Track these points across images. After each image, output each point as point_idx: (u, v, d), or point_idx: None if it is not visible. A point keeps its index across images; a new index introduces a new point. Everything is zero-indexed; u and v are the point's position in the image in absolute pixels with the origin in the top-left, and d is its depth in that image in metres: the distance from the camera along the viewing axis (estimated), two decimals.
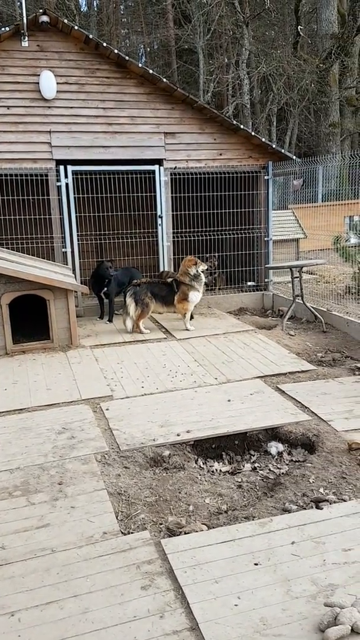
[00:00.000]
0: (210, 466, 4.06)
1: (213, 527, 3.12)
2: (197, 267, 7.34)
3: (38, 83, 7.72)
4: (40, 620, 2.46)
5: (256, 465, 4.05)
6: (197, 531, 3.05)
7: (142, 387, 5.30)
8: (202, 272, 7.43)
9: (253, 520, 3.17)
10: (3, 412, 4.77)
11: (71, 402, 4.96)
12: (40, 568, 2.79)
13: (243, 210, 9.24)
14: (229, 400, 4.85)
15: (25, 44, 7.63)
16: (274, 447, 4.19)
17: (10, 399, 5.05)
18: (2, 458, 3.89)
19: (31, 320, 6.90)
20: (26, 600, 2.58)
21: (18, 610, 2.52)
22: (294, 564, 2.75)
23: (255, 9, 21.98)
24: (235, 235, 9.30)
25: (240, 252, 9.39)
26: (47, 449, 4.01)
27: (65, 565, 2.80)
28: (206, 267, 7.45)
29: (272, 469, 3.96)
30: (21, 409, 4.81)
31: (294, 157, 9.00)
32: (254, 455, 4.20)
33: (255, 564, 2.76)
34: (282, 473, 3.86)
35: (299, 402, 4.75)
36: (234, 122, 8.72)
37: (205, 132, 8.61)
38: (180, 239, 9.09)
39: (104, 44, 7.84)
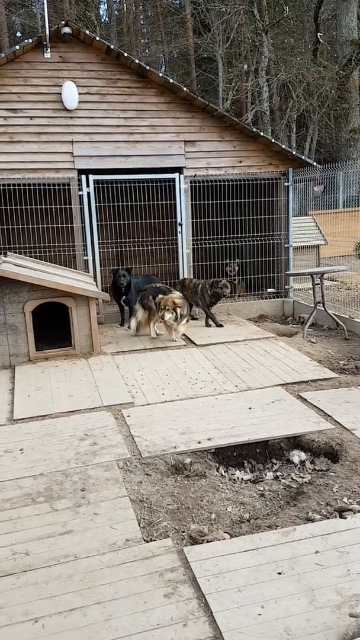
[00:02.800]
0: (231, 474, 4.04)
1: (236, 536, 3.11)
2: (168, 314, 6.84)
3: (60, 94, 7.84)
4: (64, 627, 2.47)
5: (278, 474, 4.02)
6: (219, 539, 3.04)
7: (163, 394, 5.31)
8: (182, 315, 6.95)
9: (276, 529, 3.15)
10: (26, 418, 4.82)
11: (93, 408, 4.99)
12: (64, 574, 2.81)
13: (263, 216, 9.24)
14: (250, 408, 4.83)
15: (47, 55, 7.76)
16: (297, 455, 4.16)
17: (34, 405, 5.10)
18: (26, 464, 3.93)
19: (53, 327, 6.97)
20: (50, 607, 2.59)
21: (42, 617, 2.53)
22: (317, 573, 2.72)
23: (275, 17, 21.99)
24: (255, 242, 9.29)
25: (260, 259, 9.38)
26: (69, 455, 4.04)
27: (88, 572, 2.82)
28: (175, 316, 6.87)
29: (294, 477, 3.93)
30: (44, 415, 4.86)
31: (314, 164, 8.97)
32: (275, 464, 4.17)
33: (279, 573, 2.74)
34: (305, 482, 3.83)
35: (322, 411, 4.71)
36: (254, 129, 8.73)
37: (225, 139, 8.64)
38: (200, 246, 9.12)
39: (125, 54, 7.93)
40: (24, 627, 2.48)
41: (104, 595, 2.64)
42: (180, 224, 8.72)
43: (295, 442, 4.28)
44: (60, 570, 2.84)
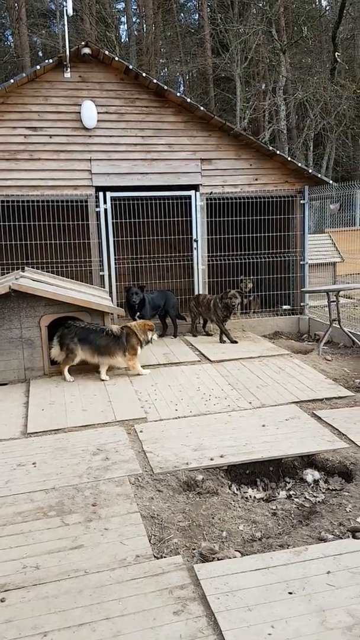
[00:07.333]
0: (244, 492, 4.02)
1: (247, 555, 3.09)
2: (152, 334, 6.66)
3: (79, 112, 8.00)
4: None
5: (291, 492, 3.98)
6: (230, 558, 3.02)
7: (176, 409, 5.30)
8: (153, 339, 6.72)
9: (288, 548, 3.12)
10: (40, 432, 4.84)
11: (106, 423, 5.00)
12: (74, 589, 2.80)
13: (278, 234, 9.26)
14: (263, 426, 4.80)
15: (67, 75, 7.94)
16: (310, 474, 4.12)
17: (47, 419, 5.13)
18: (38, 478, 3.94)
19: None
20: (59, 621, 2.59)
21: (51, 631, 2.53)
22: (329, 594, 2.68)
23: (293, 37, 22.25)
24: (271, 259, 9.30)
25: (275, 276, 9.38)
26: (82, 469, 4.05)
27: (98, 587, 2.81)
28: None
29: (307, 497, 3.89)
30: (57, 429, 4.88)
31: (331, 182, 9.00)
32: (289, 483, 4.14)
33: (290, 593, 2.70)
34: (318, 501, 3.79)
35: (336, 429, 4.67)
36: (270, 147, 8.80)
37: (242, 157, 8.72)
38: (215, 262, 9.16)
39: (144, 74, 8.08)
40: None
41: (113, 611, 2.63)
42: (196, 241, 8.77)
43: (309, 460, 4.24)
44: (70, 584, 2.83)
